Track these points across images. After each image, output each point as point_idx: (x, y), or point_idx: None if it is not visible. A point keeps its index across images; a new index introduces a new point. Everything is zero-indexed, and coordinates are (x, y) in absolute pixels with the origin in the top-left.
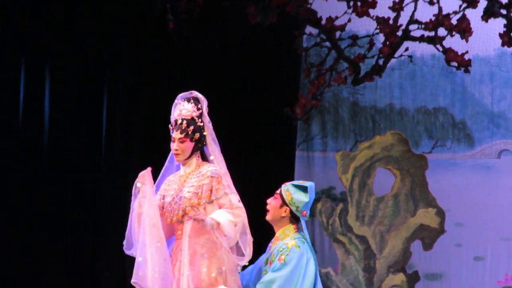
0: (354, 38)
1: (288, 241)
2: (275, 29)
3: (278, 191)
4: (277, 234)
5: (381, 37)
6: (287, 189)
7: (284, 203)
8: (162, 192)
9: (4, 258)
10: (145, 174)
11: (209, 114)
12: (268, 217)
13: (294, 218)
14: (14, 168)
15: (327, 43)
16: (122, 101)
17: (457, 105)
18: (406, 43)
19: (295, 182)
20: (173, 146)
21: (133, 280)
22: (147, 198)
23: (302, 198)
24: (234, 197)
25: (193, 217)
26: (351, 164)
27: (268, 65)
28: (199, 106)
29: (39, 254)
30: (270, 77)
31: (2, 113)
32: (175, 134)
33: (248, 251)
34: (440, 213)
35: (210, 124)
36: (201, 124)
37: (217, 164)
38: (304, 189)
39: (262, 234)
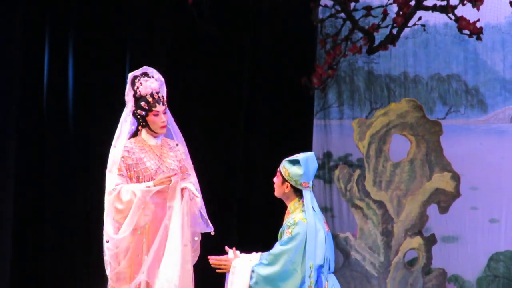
0: (368, 8)
1: (296, 215)
2: (291, 2)
3: (278, 169)
4: (288, 209)
5: (394, 7)
6: (284, 165)
7: (284, 179)
8: (135, 160)
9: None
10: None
11: (229, 85)
12: (275, 194)
13: (298, 191)
14: (40, 145)
15: (342, 14)
16: None
17: (469, 72)
18: (419, 13)
19: (290, 157)
20: (161, 119)
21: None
22: (180, 215)
23: (298, 171)
24: (194, 173)
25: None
26: (367, 131)
27: (285, 37)
28: (157, 78)
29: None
30: (287, 49)
31: (26, 88)
32: (160, 107)
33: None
34: (455, 177)
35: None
36: (164, 94)
37: (176, 135)
38: (297, 162)
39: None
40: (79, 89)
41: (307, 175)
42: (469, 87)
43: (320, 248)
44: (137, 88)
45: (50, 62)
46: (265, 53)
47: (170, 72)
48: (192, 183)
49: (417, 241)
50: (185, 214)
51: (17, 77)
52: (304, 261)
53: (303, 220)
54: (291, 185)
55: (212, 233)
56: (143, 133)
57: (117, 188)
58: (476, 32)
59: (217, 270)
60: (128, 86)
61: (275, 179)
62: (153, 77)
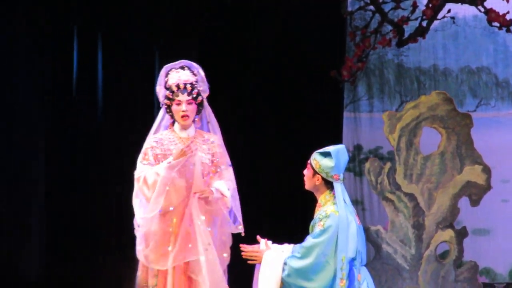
0: (398, 1)
1: (327, 208)
2: None
3: (309, 161)
4: (318, 201)
5: (424, 0)
6: (315, 158)
7: (315, 172)
8: (163, 151)
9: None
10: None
11: (257, 78)
12: (306, 187)
13: (329, 184)
14: (69, 138)
15: (371, 7)
16: None
17: (499, 64)
18: (448, 5)
19: (321, 150)
20: (181, 108)
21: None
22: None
23: (329, 164)
24: (231, 169)
25: (201, 196)
26: (397, 124)
27: (315, 29)
28: (195, 72)
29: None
30: (317, 41)
31: (56, 83)
32: (183, 97)
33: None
34: (486, 170)
35: (208, 89)
36: (200, 88)
37: (214, 130)
38: (328, 154)
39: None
40: (108, 82)
41: (338, 167)
42: (499, 79)
43: (352, 240)
44: (167, 79)
45: (79, 57)
46: (294, 46)
47: (200, 64)
48: (223, 181)
49: (448, 234)
50: (197, 218)
51: (47, 72)
52: (336, 253)
53: (335, 212)
54: (322, 178)
55: (242, 234)
56: (176, 125)
57: (141, 174)
58: (506, 24)
59: (248, 261)
60: (160, 78)
61: (305, 172)
62: (188, 70)
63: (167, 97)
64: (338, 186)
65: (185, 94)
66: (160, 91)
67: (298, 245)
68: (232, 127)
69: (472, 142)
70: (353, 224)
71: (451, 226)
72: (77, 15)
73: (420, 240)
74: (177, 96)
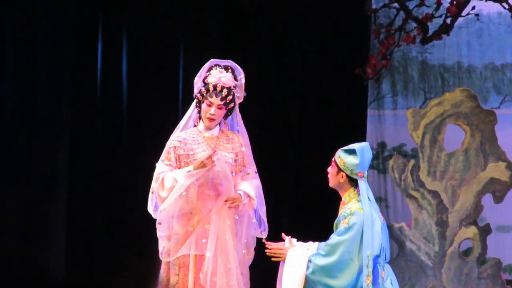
0: None
1: (352, 205)
2: None
3: (333, 159)
4: (342, 199)
5: None
6: (339, 155)
7: (339, 169)
8: (186, 151)
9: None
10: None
11: (281, 76)
12: (330, 184)
13: (353, 181)
14: (93, 139)
15: (395, 4)
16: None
17: None
18: (473, 2)
19: (345, 147)
20: (211, 110)
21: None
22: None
23: (353, 161)
24: (257, 176)
25: (232, 205)
26: (421, 121)
27: (339, 27)
28: (237, 77)
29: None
30: (341, 39)
31: (80, 79)
32: (215, 100)
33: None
34: (510, 167)
35: (243, 97)
36: (237, 94)
37: (243, 133)
38: (352, 151)
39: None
40: (132, 82)
41: (362, 165)
42: None
43: (377, 237)
44: (209, 74)
45: (103, 56)
46: (318, 44)
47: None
48: (247, 182)
49: (472, 231)
50: (222, 222)
51: (70, 72)
52: (361, 250)
53: (359, 210)
54: (347, 175)
55: (264, 240)
56: (201, 124)
57: (160, 176)
58: None
59: (273, 259)
60: (203, 70)
61: (329, 169)
62: (230, 72)
63: (201, 93)
64: (363, 184)
65: (219, 98)
66: (197, 83)
67: (323, 243)
68: (255, 126)
69: (496, 139)
70: (378, 221)
71: (474, 223)
72: (101, 12)
73: (443, 237)
74: (211, 97)
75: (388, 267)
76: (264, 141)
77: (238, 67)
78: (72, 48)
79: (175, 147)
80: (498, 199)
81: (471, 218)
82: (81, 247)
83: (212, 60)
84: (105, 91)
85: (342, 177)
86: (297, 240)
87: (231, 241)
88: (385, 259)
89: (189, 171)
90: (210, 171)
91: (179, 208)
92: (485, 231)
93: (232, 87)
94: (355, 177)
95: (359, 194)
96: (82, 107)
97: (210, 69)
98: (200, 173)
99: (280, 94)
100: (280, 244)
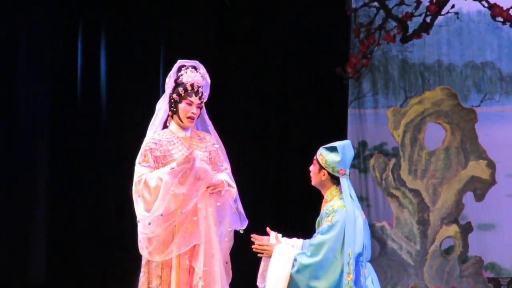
0: None
1: (334, 203)
2: None
3: (315, 157)
4: (325, 197)
5: None
6: (321, 153)
7: (321, 167)
8: (162, 152)
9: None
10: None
11: (262, 76)
12: (312, 183)
13: (335, 179)
14: (72, 138)
15: (375, 3)
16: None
17: (504, 59)
18: (452, 1)
19: (327, 145)
20: (192, 109)
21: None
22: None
23: (335, 158)
24: (228, 166)
25: (213, 191)
26: (402, 119)
27: (319, 26)
28: (204, 76)
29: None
30: (321, 38)
31: (60, 81)
32: (195, 99)
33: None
34: (491, 165)
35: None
36: (206, 93)
37: (213, 131)
38: (334, 149)
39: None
40: (111, 80)
41: (344, 162)
42: (503, 74)
43: (359, 235)
44: (181, 75)
45: (83, 57)
46: (298, 43)
47: (201, 61)
48: (225, 174)
49: (453, 229)
50: (204, 210)
51: (50, 71)
52: (343, 248)
53: (342, 207)
54: (328, 173)
55: (241, 231)
56: (172, 124)
57: (142, 177)
58: (510, 19)
59: (259, 255)
60: (173, 70)
61: (311, 168)
62: (199, 73)
63: (178, 93)
64: (345, 181)
65: (198, 97)
66: (168, 83)
67: (307, 241)
68: (237, 124)
69: (477, 137)
70: (360, 219)
71: (456, 221)
72: (81, 10)
73: (425, 236)
74: (190, 96)
75: (369, 266)
76: (245, 140)
77: (202, 66)
78: (52, 48)
79: (151, 149)
80: (479, 197)
81: (452, 217)
82: (62, 250)
83: (180, 60)
84: (85, 90)
85: (324, 175)
86: (282, 236)
87: (214, 228)
88: (367, 257)
89: (173, 168)
90: (192, 169)
91: (170, 207)
92: (466, 229)
93: (203, 86)
94: (336, 174)
95: (341, 192)
96: (63, 108)
97: (180, 69)
98: (184, 168)
99: (261, 93)
100: (265, 239)
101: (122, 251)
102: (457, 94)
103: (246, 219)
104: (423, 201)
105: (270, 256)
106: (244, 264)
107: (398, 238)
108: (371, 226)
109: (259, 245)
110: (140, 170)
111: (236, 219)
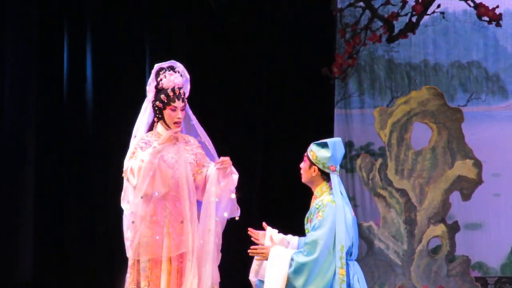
0: None
1: (324, 197)
2: None
3: (305, 153)
4: (315, 193)
5: None
6: (311, 149)
7: (311, 163)
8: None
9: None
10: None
11: (249, 76)
12: (303, 180)
13: (325, 175)
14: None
15: (361, 3)
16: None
17: (490, 58)
18: (438, 0)
19: (318, 141)
20: (177, 114)
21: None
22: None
23: (325, 154)
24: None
25: (220, 167)
26: (388, 119)
27: (305, 27)
28: (182, 73)
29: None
30: (307, 39)
31: (46, 82)
32: (178, 104)
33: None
34: (477, 164)
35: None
36: (186, 90)
37: (200, 129)
38: (325, 145)
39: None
40: (98, 80)
41: (334, 158)
42: (489, 74)
43: (349, 230)
44: (161, 80)
45: (69, 55)
46: (284, 43)
47: (188, 62)
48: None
49: (440, 228)
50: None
51: (36, 70)
52: (335, 243)
53: (331, 202)
54: (319, 169)
55: (237, 218)
56: (159, 126)
57: (128, 165)
58: (496, 18)
59: (256, 258)
60: (152, 76)
61: (302, 165)
62: (178, 72)
63: (161, 100)
64: (335, 178)
65: (180, 100)
66: (150, 91)
67: (303, 239)
68: (223, 123)
69: (463, 137)
70: (349, 215)
71: (443, 221)
72: (66, 10)
73: (412, 236)
74: (174, 102)
75: (356, 265)
76: (231, 140)
77: (178, 63)
78: (37, 48)
79: (142, 147)
80: (466, 196)
81: (439, 216)
82: (49, 250)
83: (156, 65)
84: (71, 89)
85: (314, 171)
86: (278, 232)
87: (214, 204)
88: (353, 255)
89: (154, 146)
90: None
91: (157, 187)
92: (453, 228)
93: (183, 85)
94: (327, 170)
95: (331, 188)
96: (49, 108)
97: (158, 74)
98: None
99: (247, 94)
100: (261, 234)
101: (110, 250)
102: (444, 94)
103: (239, 209)
104: (410, 200)
105: (266, 259)
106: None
107: (385, 238)
108: (358, 226)
109: (256, 248)
110: (128, 163)
111: (233, 206)
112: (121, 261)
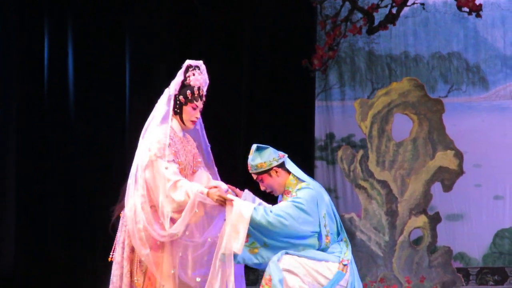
0: None
1: (296, 186)
2: None
3: (255, 177)
4: (286, 190)
5: None
6: (256, 164)
7: (268, 171)
8: (175, 149)
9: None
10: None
11: (229, 68)
12: (278, 192)
13: (283, 167)
14: (41, 133)
15: None
16: (142, 60)
17: (470, 49)
18: None
19: (250, 156)
20: (196, 114)
21: None
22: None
23: (266, 152)
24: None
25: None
26: (369, 111)
27: (285, 19)
28: (206, 77)
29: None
30: (287, 31)
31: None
32: (200, 104)
33: None
34: (458, 155)
35: None
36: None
37: (203, 137)
38: (256, 149)
39: None
40: (79, 71)
41: (273, 150)
42: (470, 64)
43: (329, 204)
44: (189, 76)
45: (50, 52)
46: (265, 36)
47: (169, 56)
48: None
49: (422, 220)
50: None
51: (17, 69)
52: (318, 208)
53: (305, 184)
54: (276, 166)
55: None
56: (174, 123)
57: (175, 180)
58: (476, 9)
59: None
60: (181, 71)
61: (263, 185)
62: (204, 75)
63: (185, 96)
64: (289, 162)
65: (201, 101)
66: (177, 84)
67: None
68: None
69: (444, 128)
70: (325, 194)
71: (424, 212)
72: (47, 7)
73: (393, 227)
74: (196, 100)
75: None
76: (212, 134)
77: (204, 66)
78: (18, 47)
79: (170, 144)
80: (447, 187)
81: (420, 207)
82: (30, 245)
83: (188, 61)
84: (52, 87)
85: (277, 172)
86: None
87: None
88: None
89: (203, 193)
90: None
91: (186, 224)
92: (435, 219)
93: (205, 88)
94: (281, 160)
95: (298, 178)
96: (30, 106)
97: (187, 70)
98: (209, 202)
99: (228, 87)
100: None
101: (92, 247)
102: (424, 85)
103: None
104: (391, 192)
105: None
106: None
107: (366, 230)
108: (340, 218)
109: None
110: (171, 167)
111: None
112: (104, 255)
